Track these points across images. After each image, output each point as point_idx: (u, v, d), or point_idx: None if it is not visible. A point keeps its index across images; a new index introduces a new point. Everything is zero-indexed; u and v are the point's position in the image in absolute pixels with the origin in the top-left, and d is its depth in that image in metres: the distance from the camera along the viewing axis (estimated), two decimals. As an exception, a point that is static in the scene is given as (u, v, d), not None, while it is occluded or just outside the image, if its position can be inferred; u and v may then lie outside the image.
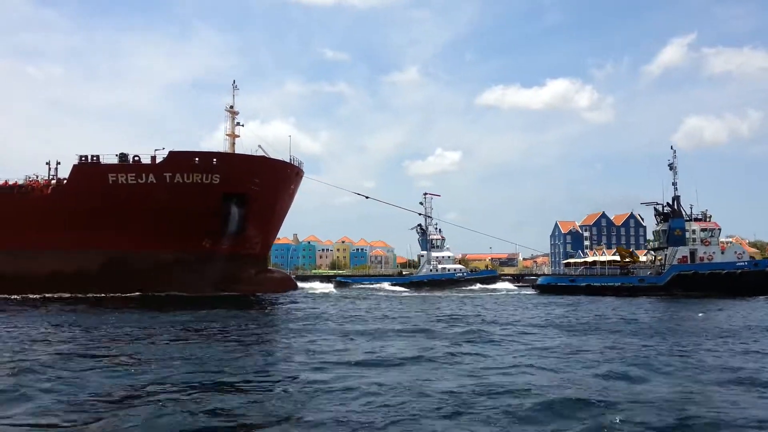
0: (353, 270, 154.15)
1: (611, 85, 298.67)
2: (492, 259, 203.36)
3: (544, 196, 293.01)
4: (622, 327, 27.47)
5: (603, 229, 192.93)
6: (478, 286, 71.29)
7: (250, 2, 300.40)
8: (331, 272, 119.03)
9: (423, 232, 74.65)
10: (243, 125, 62.93)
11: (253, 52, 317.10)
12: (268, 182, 59.30)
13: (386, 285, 71.89)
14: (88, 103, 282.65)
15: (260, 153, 60.24)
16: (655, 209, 61.25)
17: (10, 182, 61.51)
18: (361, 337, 23.45)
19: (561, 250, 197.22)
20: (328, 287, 76.08)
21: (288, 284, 64.27)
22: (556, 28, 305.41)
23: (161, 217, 55.34)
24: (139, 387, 13.58)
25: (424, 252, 74.67)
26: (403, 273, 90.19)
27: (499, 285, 73.62)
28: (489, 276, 77.45)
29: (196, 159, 56.14)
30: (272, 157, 60.59)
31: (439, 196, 79.31)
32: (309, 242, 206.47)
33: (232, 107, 62.73)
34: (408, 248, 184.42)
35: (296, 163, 62.37)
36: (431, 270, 73.96)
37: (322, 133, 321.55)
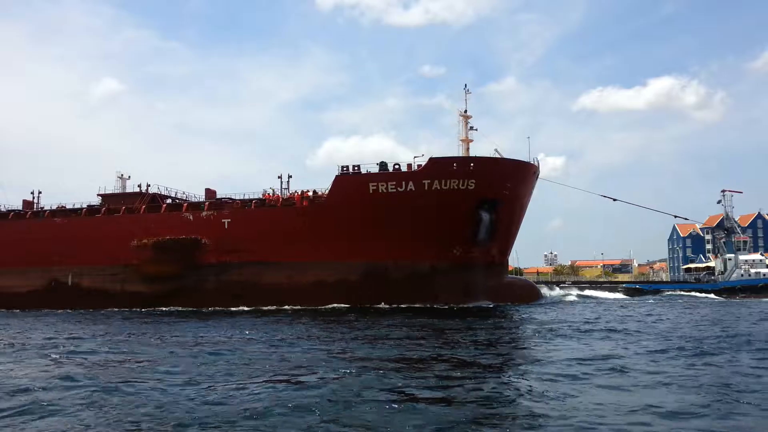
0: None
1: (718, 81, 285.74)
2: (604, 265, 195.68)
3: (657, 198, 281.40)
4: None
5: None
6: None
7: (355, 22, 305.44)
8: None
9: (727, 233, 70.20)
10: (477, 129, 60.93)
11: (358, 71, 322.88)
12: (517, 186, 57.08)
13: (694, 292, 67.79)
14: (208, 125, 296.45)
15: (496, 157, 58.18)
16: None
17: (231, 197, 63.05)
18: None
19: (680, 255, 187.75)
20: (615, 296, 71.59)
21: (535, 294, 61.24)
22: (663, 22, 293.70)
23: (419, 226, 53.80)
24: None
25: (731, 255, 69.98)
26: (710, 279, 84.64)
27: None
28: None
29: (454, 165, 54.45)
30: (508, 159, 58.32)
31: (741, 192, 73.00)
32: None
33: (465, 111, 60.93)
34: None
35: (535, 163, 59.84)
36: (742, 275, 69.46)
37: (421, 146, 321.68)
